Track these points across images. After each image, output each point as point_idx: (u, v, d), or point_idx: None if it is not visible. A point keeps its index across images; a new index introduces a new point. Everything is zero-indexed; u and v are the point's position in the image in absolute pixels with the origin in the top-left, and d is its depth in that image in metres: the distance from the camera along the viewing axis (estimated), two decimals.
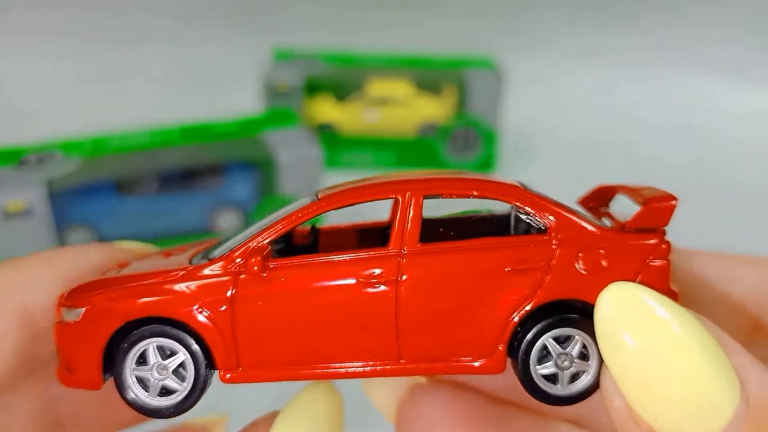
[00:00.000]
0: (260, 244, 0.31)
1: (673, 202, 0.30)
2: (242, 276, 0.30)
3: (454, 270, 0.30)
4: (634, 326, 0.27)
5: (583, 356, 0.30)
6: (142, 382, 0.31)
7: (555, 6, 1.28)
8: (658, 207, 0.30)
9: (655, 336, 0.26)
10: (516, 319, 0.30)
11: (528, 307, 0.30)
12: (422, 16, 1.28)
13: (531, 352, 0.30)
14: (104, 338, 0.30)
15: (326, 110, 1.03)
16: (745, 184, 1.02)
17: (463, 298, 0.30)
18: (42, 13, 1.26)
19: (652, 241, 0.30)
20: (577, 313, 0.30)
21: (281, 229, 0.31)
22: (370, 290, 0.30)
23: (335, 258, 0.31)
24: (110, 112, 1.09)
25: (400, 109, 1.02)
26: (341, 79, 1.03)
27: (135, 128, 0.79)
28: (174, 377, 0.31)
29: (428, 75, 1.04)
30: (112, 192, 0.77)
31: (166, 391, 0.31)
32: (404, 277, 0.30)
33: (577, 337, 0.30)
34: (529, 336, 0.30)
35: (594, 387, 0.30)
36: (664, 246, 0.30)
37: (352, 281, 0.30)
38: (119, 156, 0.74)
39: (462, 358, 0.30)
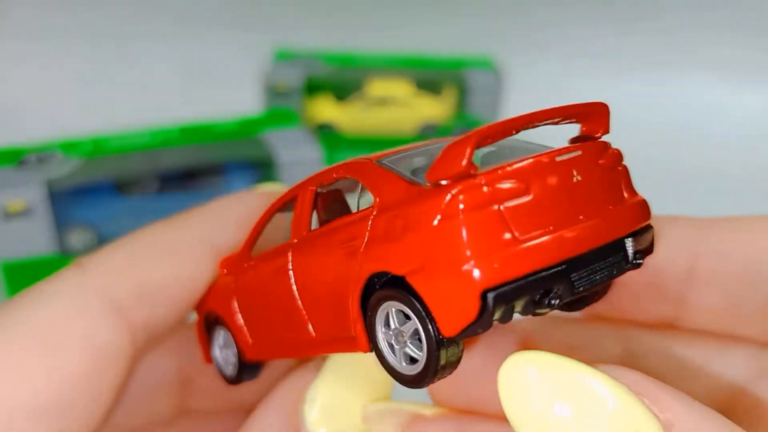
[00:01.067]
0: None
1: (468, 143, 0.25)
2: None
3: (313, 255, 0.31)
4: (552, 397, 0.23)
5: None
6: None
7: (555, 6, 1.28)
8: (451, 150, 0.25)
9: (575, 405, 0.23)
10: (357, 298, 0.28)
11: (359, 286, 0.28)
12: (422, 17, 1.28)
13: (374, 331, 0.28)
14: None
15: (326, 110, 1.03)
16: (745, 184, 1.02)
17: (323, 279, 0.30)
18: (42, 14, 1.26)
19: (446, 193, 0.25)
20: (393, 286, 0.26)
21: None
22: (282, 278, 0.32)
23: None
24: (110, 112, 1.09)
25: (400, 109, 1.02)
26: (341, 80, 1.03)
27: (135, 128, 0.79)
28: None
29: (428, 75, 1.04)
30: (113, 192, 0.77)
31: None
32: (290, 266, 0.31)
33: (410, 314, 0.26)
34: (371, 314, 0.28)
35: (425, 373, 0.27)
36: (463, 195, 0.25)
37: (274, 268, 0.33)
38: (119, 156, 0.74)
39: (345, 338, 0.30)
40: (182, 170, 0.79)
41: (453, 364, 0.27)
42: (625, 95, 1.26)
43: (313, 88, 1.02)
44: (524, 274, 0.24)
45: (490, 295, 0.24)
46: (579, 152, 0.28)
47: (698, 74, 1.26)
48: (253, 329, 0.35)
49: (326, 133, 1.02)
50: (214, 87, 1.22)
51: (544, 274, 0.25)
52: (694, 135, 1.16)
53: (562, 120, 0.29)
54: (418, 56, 1.06)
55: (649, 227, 0.29)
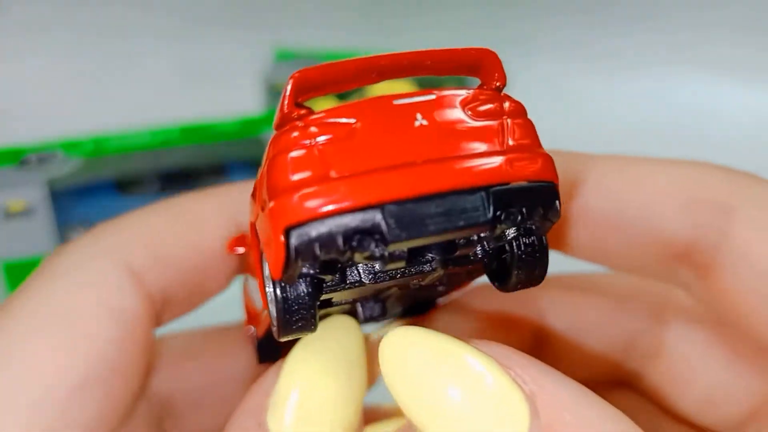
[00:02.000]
0: None
1: (284, 91, 0.24)
2: None
3: None
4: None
5: None
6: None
7: (556, 7, 1.28)
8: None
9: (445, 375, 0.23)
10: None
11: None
12: (423, 17, 1.28)
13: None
14: None
15: (322, 102, 1.03)
16: None
17: None
18: (42, 13, 1.26)
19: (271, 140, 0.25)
20: None
21: None
22: None
23: None
24: (111, 111, 1.09)
25: None
26: None
27: (136, 128, 0.79)
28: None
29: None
30: (114, 192, 0.77)
31: None
32: None
33: None
34: None
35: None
36: (279, 138, 0.24)
37: None
38: (120, 156, 0.75)
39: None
40: (183, 170, 0.79)
41: (303, 316, 0.24)
42: (626, 95, 1.26)
43: None
44: (333, 213, 0.22)
45: (293, 232, 0.22)
46: (432, 96, 0.25)
47: (699, 74, 1.26)
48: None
49: None
50: (215, 87, 1.22)
51: (355, 212, 0.22)
52: (695, 135, 1.16)
53: (441, 71, 0.27)
54: None
55: (537, 186, 0.24)
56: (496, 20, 1.27)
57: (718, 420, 0.34)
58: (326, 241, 0.22)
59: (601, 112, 1.22)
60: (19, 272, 0.70)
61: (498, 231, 0.24)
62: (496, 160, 0.24)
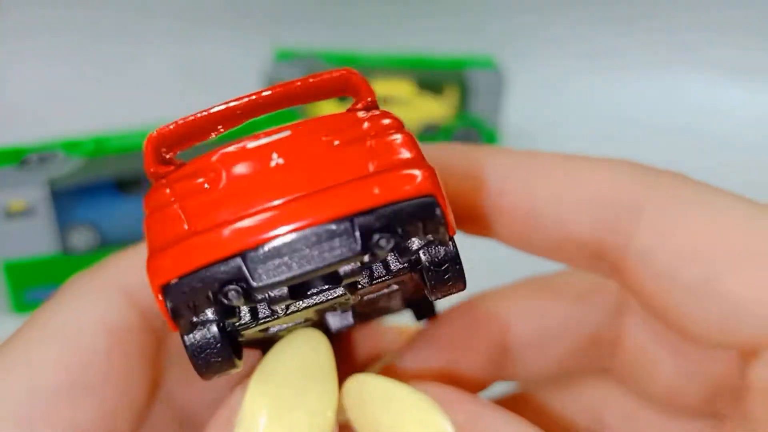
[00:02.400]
0: None
1: (145, 147, 0.25)
2: None
3: None
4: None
5: None
6: None
7: (556, 6, 1.28)
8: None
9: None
10: None
11: None
12: (423, 16, 1.28)
13: None
14: None
15: (327, 110, 1.03)
16: (745, 184, 1.02)
17: None
18: (42, 13, 1.26)
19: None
20: None
21: None
22: None
23: None
24: (112, 111, 1.09)
25: (402, 108, 1.02)
26: None
27: (137, 128, 0.79)
28: None
29: (430, 75, 1.04)
30: (114, 191, 0.77)
31: None
32: None
33: None
34: None
35: None
36: (146, 199, 0.26)
37: None
38: (121, 155, 0.74)
39: None
40: None
41: (218, 357, 0.25)
42: (626, 95, 1.26)
43: None
44: (197, 268, 0.23)
45: (166, 290, 0.23)
46: (287, 132, 0.25)
47: (699, 74, 1.26)
48: None
49: None
50: (215, 86, 1.21)
51: (217, 266, 0.23)
52: (695, 135, 1.16)
53: (310, 99, 0.26)
54: (419, 56, 1.06)
55: (409, 204, 0.24)
56: (496, 20, 1.27)
57: (686, 405, 0.34)
58: (196, 295, 0.23)
59: (600, 112, 1.22)
60: (20, 272, 0.70)
61: (380, 256, 0.24)
62: (359, 186, 0.23)
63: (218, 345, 0.24)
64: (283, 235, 0.23)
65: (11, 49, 1.25)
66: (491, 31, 1.25)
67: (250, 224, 0.23)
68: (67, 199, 0.73)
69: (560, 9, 1.28)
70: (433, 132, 1.03)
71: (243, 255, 0.23)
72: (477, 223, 0.34)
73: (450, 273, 0.25)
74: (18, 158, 0.71)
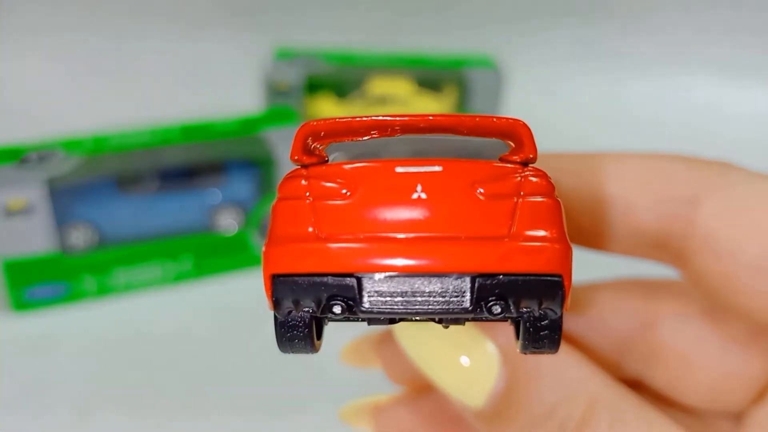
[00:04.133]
0: None
1: (295, 136, 0.25)
2: None
3: None
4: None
5: None
6: None
7: (556, 6, 1.28)
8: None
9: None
10: None
11: None
12: (423, 17, 1.28)
13: None
14: None
15: (327, 109, 1.03)
16: None
17: None
18: (42, 12, 1.26)
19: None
20: None
21: None
22: None
23: None
24: (111, 110, 1.10)
25: (401, 107, 1.02)
26: (342, 78, 1.03)
27: (136, 126, 0.79)
28: None
29: (429, 74, 1.04)
30: (113, 190, 0.77)
31: None
32: None
33: None
34: None
35: None
36: (283, 183, 0.26)
37: None
38: (120, 154, 0.74)
39: None
40: (183, 168, 0.79)
41: (299, 339, 0.25)
42: (625, 95, 1.26)
43: (313, 86, 1.03)
44: (311, 272, 0.23)
45: (277, 281, 0.24)
46: (437, 168, 0.24)
47: (699, 74, 1.26)
48: None
49: None
50: (215, 85, 1.22)
51: (330, 279, 0.23)
52: (695, 135, 1.16)
53: (473, 134, 0.25)
54: (418, 55, 1.07)
55: (533, 279, 0.23)
56: (495, 20, 1.27)
57: (725, 407, 0.35)
58: (303, 294, 0.23)
59: (599, 111, 1.22)
60: (19, 270, 0.70)
61: (487, 318, 0.24)
62: (492, 248, 0.23)
63: (306, 330, 0.25)
64: (401, 273, 0.23)
65: (11, 48, 1.25)
66: (490, 30, 1.25)
67: (373, 249, 0.23)
68: (66, 197, 0.73)
69: (559, 9, 1.28)
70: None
71: (359, 277, 0.23)
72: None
73: (547, 339, 0.25)
74: (17, 156, 0.71)
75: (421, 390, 0.38)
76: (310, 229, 0.24)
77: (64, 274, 0.73)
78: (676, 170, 0.33)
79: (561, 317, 0.24)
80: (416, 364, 0.32)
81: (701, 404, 0.35)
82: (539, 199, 0.24)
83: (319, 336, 0.26)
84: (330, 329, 0.28)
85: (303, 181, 0.25)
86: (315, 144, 0.25)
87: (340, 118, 0.24)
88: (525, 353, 0.25)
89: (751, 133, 1.17)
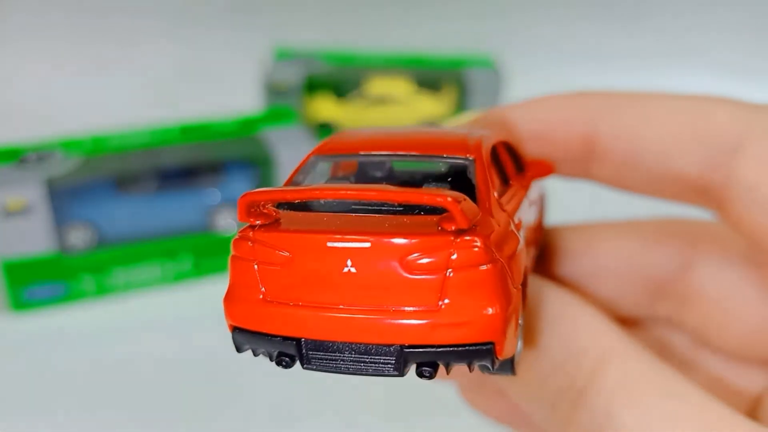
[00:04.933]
0: None
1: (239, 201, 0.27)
2: None
3: None
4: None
5: None
6: None
7: (555, 5, 1.28)
8: None
9: None
10: None
11: None
12: (422, 15, 1.28)
13: None
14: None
15: (326, 109, 1.03)
16: None
17: None
18: (42, 13, 1.26)
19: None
20: None
21: None
22: None
23: None
24: (110, 110, 1.10)
25: (400, 107, 1.02)
26: (341, 78, 1.04)
27: (135, 127, 0.79)
28: None
29: (428, 74, 1.04)
30: (112, 190, 0.77)
31: None
32: None
33: None
34: None
35: None
36: (233, 242, 0.28)
37: None
38: (119, 154, 0.75)
39: None
40: (182, 168, 0.79)
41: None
42: None
43: (313, 86, 1.03)
44: (264, 332, 0.27)
45: (236, 331, 0.27)
46: (366, 244, 0.25)
47: (699, 74, 1.26)
48: None
49: (326, 132, 1.02)
50: (214, 85, 1.22)
51: (276, 338, 0.26)
52: None
53: (399, 203, 0.27)
54: (417, 55, 1.07)
55: (461, 349, 0.25)
56: (495, 19, 1.27)
57: (760, 354, 0.34)
58: (257, 346, 0.27)
59: None
60: (18, 270, 0.70)
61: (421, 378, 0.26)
62: (419, 321, 0.25)
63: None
64: (338, 341, 0.26)
65: (11, 49, 1.25)
66: (489, 30, 1.25)
67: (310, 318, 0.26)
68: (65, 197, 0.73)
69: (559, 8, 1.28)
70: None
71: (301, 341, 0.26)
72: (574, 164, 0.35)
73: (496, 373, 0.27)
74: (17, 157, 0.71)
75: None
76: (261, 290, 0.27)
77: (63, 274, 0.73)
78: (719, 114, 0.32)
79: (504, 364, 0.27)
80: None
81: (736, 350, 0.35)
82: (471, 269, 0.25)
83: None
84: None
85: (249, 243, 0.27)
86: (260, 206, 0.28)
87: (277, 191, 0.27)
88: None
89: None
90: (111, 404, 0.62)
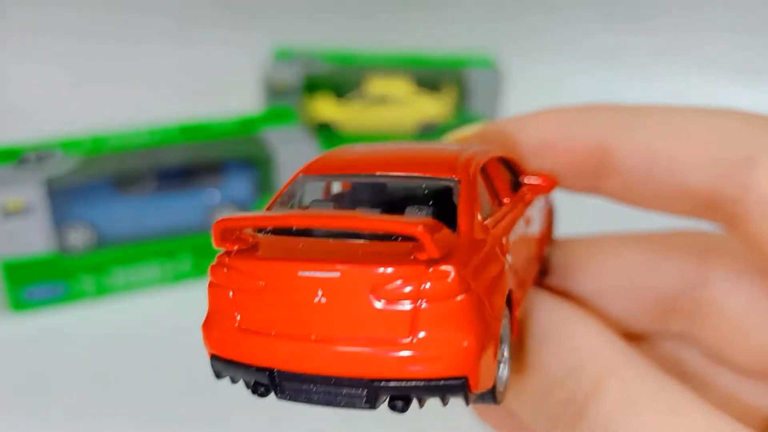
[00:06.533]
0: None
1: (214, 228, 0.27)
2: None
3: None
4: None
5: None
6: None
7: (555, 5, 1.28)
8: None
9: None
10: None
11: None
12: (422, 16, 1.28)
13: None
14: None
15: (326, 109, 1.03)
16: None
17: None
18: (42, 13, 1.26)
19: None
20: None
21: None
22: None
23: None
24: (110, 110, 1.10)
25: (400, 107, 1.02)
26: (341, 78, 1.03)
27: (134, 127, 0.79)
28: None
29: (428, 74, 1.04)
30: (112, 190, 0.77)
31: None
32: None
33: None
34: None
35: None
36: (210, 269, 0.28)
37: None
38: (119, 154, 0.75)
39: None
40: (181, 169, 0.79)
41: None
42: (625, 94, 1.25)
43: (312, 86, 1.03)
44: (241, 362, 0.27)
45: (213, 359, 0.28)
46: (336, 274, 0.25)
47: (699, 74, 1.26)
48: None
49: (326, 132, 1.02)
50: (214, 86, 1.22)
51: (251, 368, 0.27)
52: None
53: (369, 231, 0.27)
54: (417, 55, 1.07)
55: (433, 385, 0.24)
56: (494, 19, 1.27)
57: None
58: (234, 376, 0.28)
59: None
60: (18, 270, 0.70)
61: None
62: (389, 355, 0.24)
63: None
64: (311, 373, 0.25)
65: (11, 49, 1.25)
66: (489, 30, 1.25)
67: (281, 349, 0.26)
68: (65, 197, 0.73)
69: (559, 8, 1.28)
70: (430, 130, 1.03)
71: (275, 372, 0.26)
72: (582, 179, 0.35)
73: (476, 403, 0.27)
74: (16, 157, 0.71)
75: None
76: (235, 320, 0.27)
77: (63, 274, 0.73)
78: (732, 128, 0.31)
79: (483, 396, 0.26)
80: None
81: (751, 366, 0.34)
82: (444, 300, 0.24)
83: None
84: None
85: (225, 270, 0.27)
86: (235, 234, 0.27)
87: (248, 217, 0.27)
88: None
89: None
90: (111, 404, 0.62)
